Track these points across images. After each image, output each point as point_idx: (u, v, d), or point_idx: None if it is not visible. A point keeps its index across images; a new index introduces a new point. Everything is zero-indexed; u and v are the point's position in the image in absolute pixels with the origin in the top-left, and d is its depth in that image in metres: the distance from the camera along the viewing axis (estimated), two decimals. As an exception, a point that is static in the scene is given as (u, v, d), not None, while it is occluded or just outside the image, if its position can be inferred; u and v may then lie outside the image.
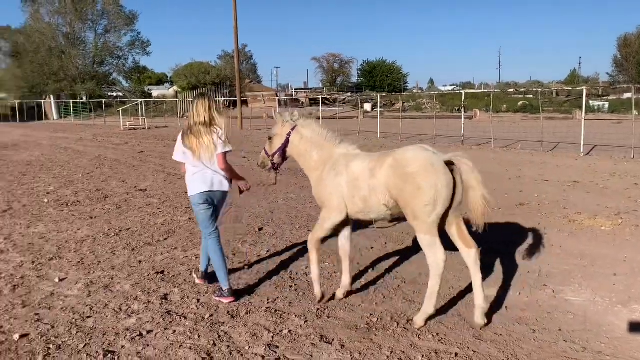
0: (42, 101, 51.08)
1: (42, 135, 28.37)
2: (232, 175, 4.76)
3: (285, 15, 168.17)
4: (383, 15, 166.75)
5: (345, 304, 4.62)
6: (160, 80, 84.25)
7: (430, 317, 4.19)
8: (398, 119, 24.21)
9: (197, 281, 5.17)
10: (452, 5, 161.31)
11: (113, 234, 7.11)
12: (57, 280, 5.30)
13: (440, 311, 4.45)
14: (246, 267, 5.69)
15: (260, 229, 7.25)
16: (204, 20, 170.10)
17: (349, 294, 4.80)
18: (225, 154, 4.60)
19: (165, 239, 6.86)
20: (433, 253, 3.97)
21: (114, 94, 55.72)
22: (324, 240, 4.84)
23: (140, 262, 5.91)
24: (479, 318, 4.09)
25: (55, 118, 49.06)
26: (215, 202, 4.73)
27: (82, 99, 50.10)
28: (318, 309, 4.51)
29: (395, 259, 5.92)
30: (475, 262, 4.05)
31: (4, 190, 10.55)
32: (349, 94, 57.97)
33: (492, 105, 26.39)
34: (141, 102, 38.94)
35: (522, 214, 8.01)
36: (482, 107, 38.37)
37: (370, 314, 4.41)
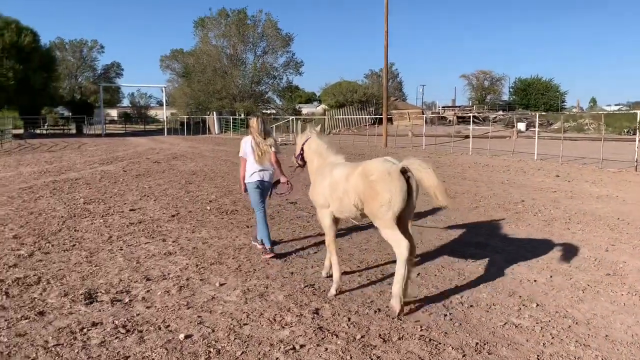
0: (206, 117, 56.12)
1: (206, 147, 31.06)
2: (279, 169, 6.66)
3: (433, 32, 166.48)
4: (539, 29, 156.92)
5: (508, 342, 4.21)
6: (309, 99, 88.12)
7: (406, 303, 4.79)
8: (555, 140, 22.40)
9: (267, 256, 6.62)
10: (617, 16, 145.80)
11: (267, 244, 7.38)
12: (217, 284, 5.59)
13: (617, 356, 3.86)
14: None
15: (410, 250, 7.03)
16: (352, 40, 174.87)
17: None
18: (276, 153, 6.61)
19: (315, 253, 6.94)
20: (396, 244, 4.62)
21: (268, 112, 59.35)
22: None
23: (292, 273, 6.03)
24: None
25: (216, 132, 53.53)
26: (263, 188, 6.74)
27: (240, 115, 54.11)
28: (477, 343, 4.16)
29: (564, 295, 5.31)
30: (404, 262, 4.59)
31: (173, 197, 11.61)
32: (500, 112, 55.23)
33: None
34: (292, 119, 40.90)
35: None
36: (659, 129, 34.00)
37: (537, 356, 3.95)
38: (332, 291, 5.26)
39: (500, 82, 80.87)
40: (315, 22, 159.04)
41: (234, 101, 56.44)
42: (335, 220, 5.45)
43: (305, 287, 5.53)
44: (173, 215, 9.45)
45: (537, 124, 22.62)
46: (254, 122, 6.74)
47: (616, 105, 78.03)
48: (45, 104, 60.39)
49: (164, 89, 62.58)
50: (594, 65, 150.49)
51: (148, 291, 5.40)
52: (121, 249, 7.09)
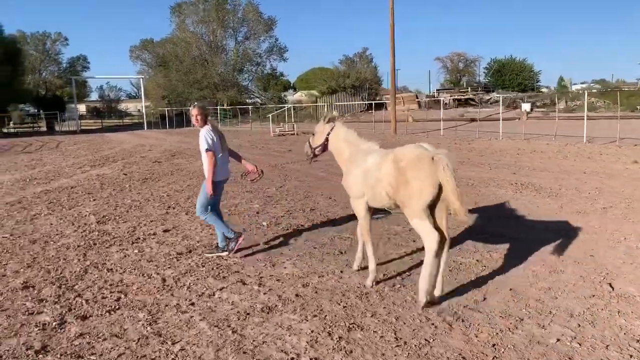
0: (189, 108, 53.01)
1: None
2: (241, 158, 6.52)
3: (405, 17, 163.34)
4: (504, 11, 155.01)
5: None
6: (285, 87, 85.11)
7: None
8: (572, 120, 20.63)
9: (224, 254, 6.25)
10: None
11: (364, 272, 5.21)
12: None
13: None
14: None
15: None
16: (323, 26, 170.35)
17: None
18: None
19: (470, 303, 4.79)
20: (425, 235, 4.36)
21: (252, 101, 56.52)
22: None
23: (475, 336, 3.87)
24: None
25: (200, 125, 50.50)
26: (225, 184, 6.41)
27: (222, 105, 51.19)
28: None
29: None
30: (446, 251, 4.55)
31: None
32: (494, 94, 53.64)
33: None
34: (289, 108, 38.32)
35: None
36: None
37: None
38: (369, 282, 5.12)
39: (475, 63, 79.74)
40: (286, 7, 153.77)
41: (215, 91, 53.46)
42: (370, 209, 5.19)
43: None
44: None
45: (586, 103, 20.50)
46: (204, 110, 6.31)
47: (582, 83, 77.50)
48: (11, 100, 56.21)
49: (141, 79, 59.04)
50: (557, 44, 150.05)
51: (292, 401, 3.19)
52: (192, 304, 4.84)
